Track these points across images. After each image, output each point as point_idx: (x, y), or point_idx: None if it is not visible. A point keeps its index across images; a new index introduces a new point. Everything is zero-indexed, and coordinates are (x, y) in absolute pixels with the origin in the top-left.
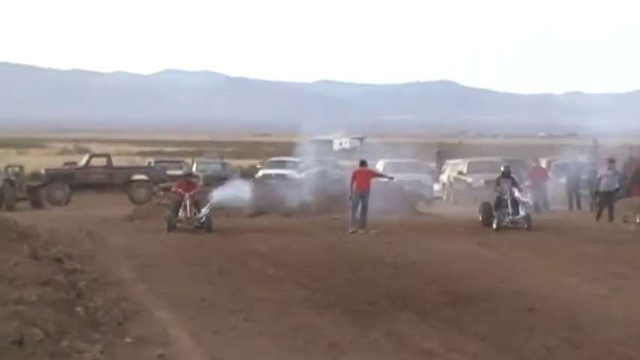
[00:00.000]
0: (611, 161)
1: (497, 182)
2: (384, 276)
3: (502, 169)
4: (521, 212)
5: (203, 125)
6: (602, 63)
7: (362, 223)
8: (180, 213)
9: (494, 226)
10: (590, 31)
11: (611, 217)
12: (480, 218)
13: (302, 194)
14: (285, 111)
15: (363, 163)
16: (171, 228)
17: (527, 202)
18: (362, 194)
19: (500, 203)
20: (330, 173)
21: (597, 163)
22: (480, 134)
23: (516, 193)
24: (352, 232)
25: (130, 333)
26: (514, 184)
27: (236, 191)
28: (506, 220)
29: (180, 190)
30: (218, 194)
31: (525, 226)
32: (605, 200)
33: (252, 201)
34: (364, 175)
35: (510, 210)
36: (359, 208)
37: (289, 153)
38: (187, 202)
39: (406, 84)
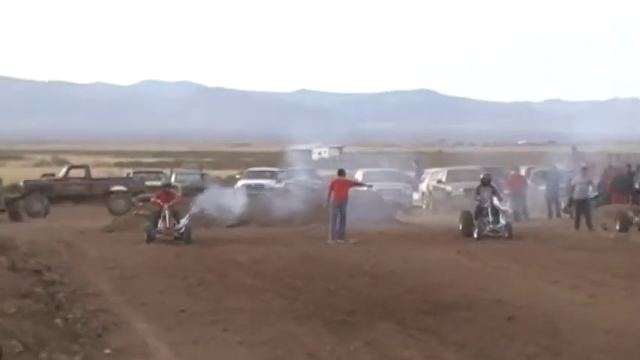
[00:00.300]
0: (584, 168)
1: (477, 191)
2: (363, 285)
3: (481, 177)
4: (502, 221)
5: (181, 136)
6: (581, 70)
7: (341, 233)
8: (160, 224)
9: (475, 235)
10: (569, 39)
11: (589, 224)
12: (460, 227)
13: (281, 204)
14: (264, 121)
15: (341, 172)
16: (150, 239)
17: (507, 211)
18: (340, 204)
19: (480, 212)
20: (309, 183)
21: (576, 171)
22: (458, 143)
23: (496, 202)
24: (332, 243)
25: (109, 344)
26: (494, 192)
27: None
28: (487, 229)
29: (159, 200)
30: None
31: (506, 234)
32: (579, 208)
33: (235, 210)
34: (342, 184)
35: (491, 219)
36: (338, 219)
37: (268, 163)
38: (166, 213)
39: (385, 93)
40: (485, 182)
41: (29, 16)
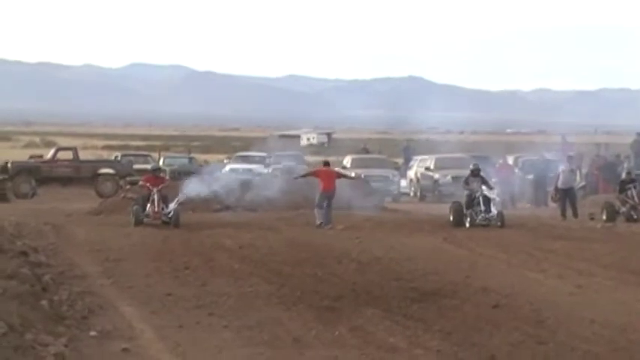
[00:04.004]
0: (570, 157)
1: (467, 181)
2: (350, 271)
3: (471, 168)
4: (494, 210)
5: (170, 119)
6: (570, 60)
7: (327, 219)
8: (148, 208)
9: (467, 224)
10: (559, 29)
11: (575, 213)
12: (451, 219)
13: (269, 189)
14: (253, 106)
15: (326, 164)
16: (138, 222)
17: (495, 199)
18: (328, 195)
19: (472, 201)
20: (297, 168)
21: (563, 160)
22: (448, 130)
23: (486, 191)
24: (319, 226)
25: (94, 327)
26: (483, 182)
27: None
28: (479, 218)
29: (148, 184)
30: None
31: (499, 223)
32: (564, 196)
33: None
34: (330, 175)
35: (483, 208)
36: (324, 206)
37: (257, 148)
38: (155, 197)
39: (375, 79)
40: (475, 173)
41: None
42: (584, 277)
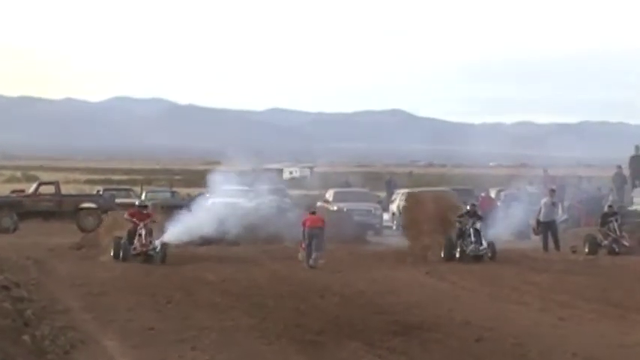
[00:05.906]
0: (552, 190)
1: (460, 218)
2: (333, 305)
3: (468, 207)
4: (484, 242)
5: (152, 153)
6: (552, 93)
7: (317, 255)
8: (135, 242)
9: (457, 255)
10: (540, 62)
11: (556, 246)
12: (442, 255)
13: (251, 223)
14: (235, 139)
15: (313, 214)
16: (125, 257)
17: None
18: (315, 233)
19: (462, 234)
20: (280, 202)
21: (545, 193)
22: (430, 163)
23: (477, 225)
24: (311, 266)
25: None
26: (479, 219)
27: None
28: (469, 249)
29: (134, 219)
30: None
31: (489, 255)
32: (546, 229)
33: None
34: (315, 219)
35: (473, 239)
36: (313, 244)
37: (239, 181)
38: (142, 232)
39: (357, 113)
40: (472, 214)
41: None
42: (567, 309)
